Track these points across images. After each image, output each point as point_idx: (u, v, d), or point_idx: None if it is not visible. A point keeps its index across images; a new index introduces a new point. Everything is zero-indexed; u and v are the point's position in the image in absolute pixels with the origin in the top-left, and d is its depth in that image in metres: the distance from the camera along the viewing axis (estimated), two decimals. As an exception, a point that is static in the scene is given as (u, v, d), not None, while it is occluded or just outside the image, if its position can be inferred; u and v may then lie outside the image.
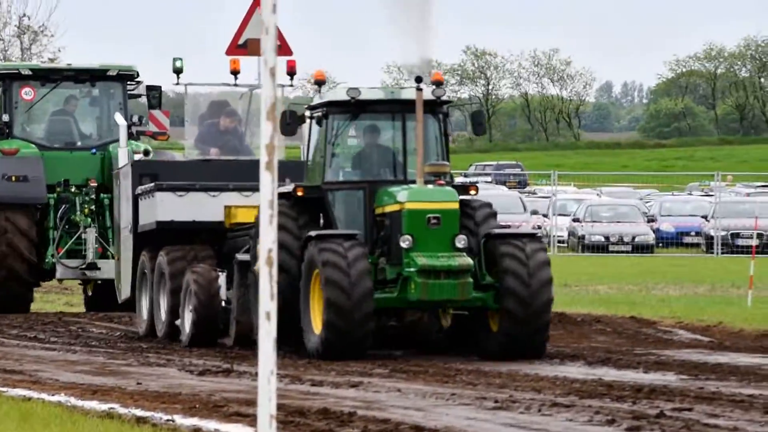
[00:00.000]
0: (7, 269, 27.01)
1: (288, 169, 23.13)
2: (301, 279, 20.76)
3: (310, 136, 22.04)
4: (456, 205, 21.21)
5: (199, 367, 21.42)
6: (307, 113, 21.80)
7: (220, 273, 23.27)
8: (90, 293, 28.75)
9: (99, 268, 27.54)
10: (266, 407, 9.80)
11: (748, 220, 57.18)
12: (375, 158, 22.33)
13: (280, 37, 24.43)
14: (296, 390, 18.72)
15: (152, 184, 23.84)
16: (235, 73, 24.93)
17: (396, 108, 21.91)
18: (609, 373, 20.73)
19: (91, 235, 27.45)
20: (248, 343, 21.77)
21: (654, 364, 22.20)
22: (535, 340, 21.01)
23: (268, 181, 9.99)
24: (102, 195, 27.86)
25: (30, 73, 28.02)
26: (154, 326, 23.99)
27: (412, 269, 20.75)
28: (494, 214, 21.62)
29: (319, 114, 21.71)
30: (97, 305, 27.97)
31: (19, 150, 27.40)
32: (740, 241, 59.34)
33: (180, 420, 16.21)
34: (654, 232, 61.88)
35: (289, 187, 21.42)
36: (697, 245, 63.41)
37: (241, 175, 24.31)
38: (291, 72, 25.57)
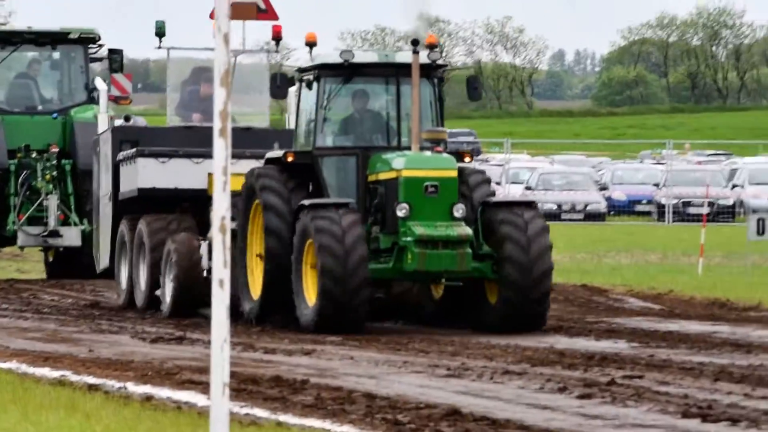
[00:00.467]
0: None
1: (278, 135, 23.26)
2: (292, 246, 20.34)
3: (299, 100, 21.47)
4: (454, 173, 20.71)
5: (151, 335, 21.43)
6: (297, 76, 21.32)
7: (201, 242, 22.82)
8: (51, 260, 28.42)
9: (61, 236, 27.24)
10: (219, 375, 9.83)
11: (699, 188, 57.40)
12: (368, 123, 21.76)
13: (266, 1, 24.57)
14: (249, 358, 18.81)
15: (134, 150, 23.39)
16: None
17: (390, 72, 21.33)
18: (560, 341, 20.91)
19: (52, 201, 27.09)
20: (231, 314, 21.13)
21: (605, 332, 22.34)
22: (536, 309, 20.56)
23: (221, 147, 10.00)
24: (63, 161, 27.55)
25: None
26: (134, 296, 23.59)
27: (408, 239, 20.20)
28: (488, 181, 21.42)
29: (310, 77, 21.12)
30: (58, 273, 27.60)
31: None
32: (691, 210, 59.66)
33: (132, 387, 16.23)
34: (606, 200, 62.08)
35: (278, 153, 21.03)
36: (649, 213, 63.70)
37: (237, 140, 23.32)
38: (277, 37, 24.80)
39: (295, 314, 20.30)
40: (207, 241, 22.32)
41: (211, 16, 23.46)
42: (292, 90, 24.53)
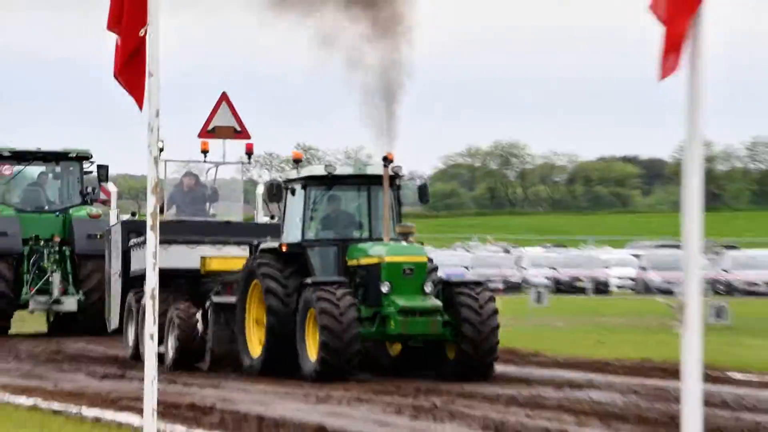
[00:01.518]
0: None
1: (267, 229, 22.40)
2: (288, 321, 18.86)
3: (286, 202, 19.98)
4: (425, 258, 19.38)
5: (100, 373, 20.83)
6: (284, 185, 20.12)
7: (197, 310, 21.46)
8: (51, 320, 27.56)
9: (62, 303, 26.25)
10: (150, 402, 9.65)
11: (495, 269, 58.06)
12: (345, 221, 20.36)
13: (240, 123, 23.47)
14: (173, 390, 18.30)
15: (142, 238, 21.25)
16: (204, 152, 23.14)
17: (363, 181, 20.00)
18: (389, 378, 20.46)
19: (56, 278, 26.15)
20: (221, 366, 20.03)
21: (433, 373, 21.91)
22: (486, 369, 19.25)
23: (152, 237, 9.83)
24: (63, 247, 26.61)
25: (9, 154, 27.16)
26: (139, 351, 21.60)
27: (392, 309, 18.75)
28: (436, 268, 20.19)
29: (298, 186, 19.81)
30: (58, 330, 26.82)
31: (1, 212, 26.55)
32: (491, 284, 60.03)
33: (86, 411, 15.78)
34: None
35: (273, 244, 19.64)
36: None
37: (210, 231, 22.55)
38: (249, 152, 23.55)
39: (297, 367, 19.02)
40: (200, 311, 21.07)
41: (199, 135, 22.95)
42: (259, 193, 23.86)
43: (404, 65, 19.94)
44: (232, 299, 19.74)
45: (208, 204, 23.56)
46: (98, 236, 25.24)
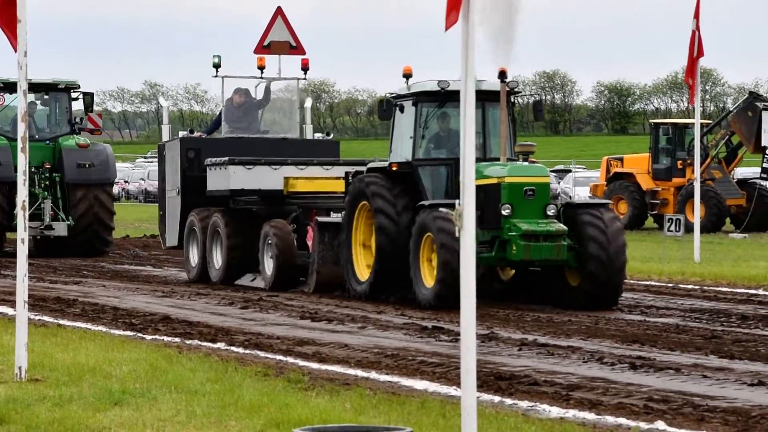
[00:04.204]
0: None
1: (323, 146, 20.94)
2: (411, 239, 16.08)
3: (394, 120, 17.29)
4: (548, 179, 16.87)
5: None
6: (393, 101, 17.26)
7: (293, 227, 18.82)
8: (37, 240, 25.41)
9: (53, 229, 24.32)
10: (21, 295, 10.17)
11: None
12: (458, 139, 18.01)
13: (295, 38, 20.95)
14: (41, 286, 18.59)
15: (226, 158, 19.16)
16: (261, 68, 20.47)
17: (478, 97, 17.67)
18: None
19: (47, 204, 24.26)
20: (326, 289, 17.37)
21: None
22: (612, 296, 16.27)
23: (22, 159, 10.24)
24: (54, 174, 24.75)
25: (1, 84, 24.99)
26: (204, 272, 19.15)
27: (514, 233, 16.13)
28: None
29: (410, 102, 17.15)
30: (44, 254, 24.62)
31: None
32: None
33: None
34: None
35: (382, 163, 17.23)
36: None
37: (266, 148, 20.08)
38: (305, 68, 20.93)
39: (407, 291, 16.27)
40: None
41: (255, 51, 20.75)
42: (307, 107, 22.07)
43: None
44: (337, 219, 17.65)
45: (259, 119, 21.44)
46: (86, 165, 24.25)
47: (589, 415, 8.72)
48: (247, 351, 12.00)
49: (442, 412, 8.50)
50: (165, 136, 21.05)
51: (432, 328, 13.64)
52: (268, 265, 18.15)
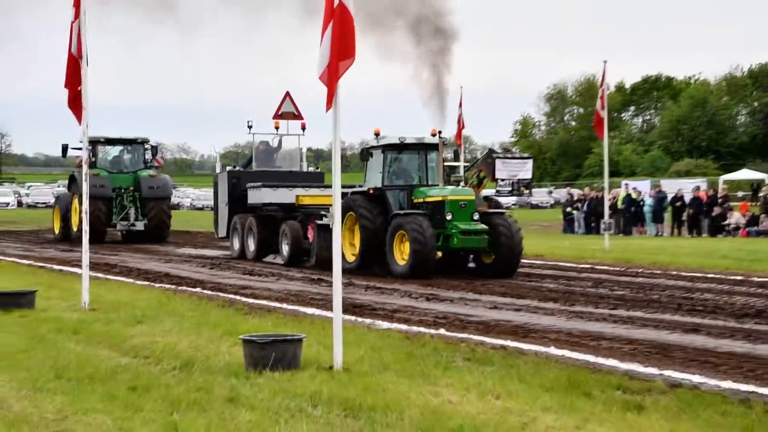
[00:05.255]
0: (98, 223, 32.69)
1: (313, 176, 27.96)
2: (387, 234, 21.17)
3: (367, 162, 22.67)
4: (473, 197, 22.03)
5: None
6: (366, 150, 22.84)
7: (300, 226, 25.00)
8: (123, 235, 35.42)
9: (136, 226, 34.03)
10: (86, 261, 14.35)
11: None
12: (410, 173, 22.97)
13: (297, 110, 28.42)
14: (96, 257, 24.40)
15: (260, 183, 26.33)
16: (276, 128, 28.29)
17: (421, 147, 22.81)
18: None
19: (132, 211, 34.07)
20: (322, 266, 22.44)
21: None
22: (514, 269, 21.42)
23: (85, 185, 14.86)
24: (135, 192, 34.39)
25: (104, 140, 34.73)
26: (242, 253, 25.97)
27: (454, 230, 21.25)
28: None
29: (379, 150, 22.63)
30: (129, 241, 34.55)
31: (99, 173, 33.92)
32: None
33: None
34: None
35: (363, 189, 22.59)
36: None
37: (280, 177, 27.25)
38: (303, 128, 28.77)
39: (384, 269, 21.23)
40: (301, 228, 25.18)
41: (273, 117, 28.41)
42: (303, 152, 29.40)
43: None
44: (328, 222, 22.19)
45: (275, 159, 29.18)
46: (155, 187, 34.17)
47: (403, 326, 12.99)
48: (213, 293, 16.74)
49: (323, 326, 12.06)
50: (218, 170, 28.68)
51: (317, 279, 19.79)
52: (285, 249, 24.56)
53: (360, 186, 23.29)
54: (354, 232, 22.06)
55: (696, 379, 9.53)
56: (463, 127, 29.95)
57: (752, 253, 25.56)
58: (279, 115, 28.36)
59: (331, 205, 21.99)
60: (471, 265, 22.27)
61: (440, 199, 21.52)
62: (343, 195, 21.73)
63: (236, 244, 26.67)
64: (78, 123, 13.89)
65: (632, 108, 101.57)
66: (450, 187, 21.88)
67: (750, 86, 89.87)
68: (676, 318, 14.05)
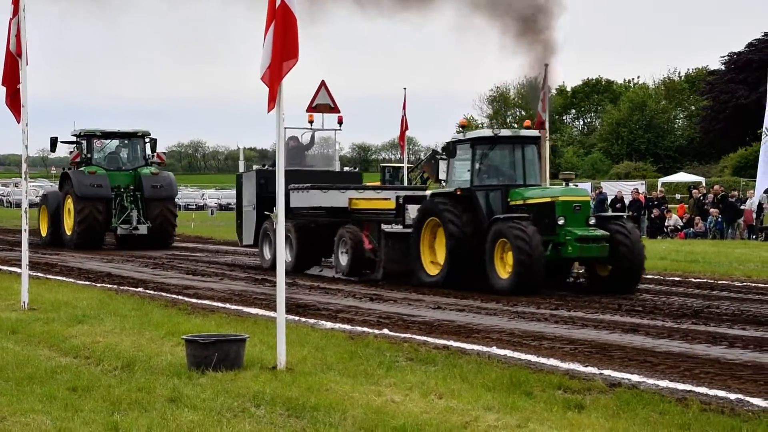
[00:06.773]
0: (95, 226, 30.55)
1: (350, 176, 24.71)
2: (486, 243, 18.39)
3: (450, 159, 19.85)
4: (588, 198, 19.37)
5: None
6: (451, 145, 19.92)
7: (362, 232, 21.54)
8: (119, 239, 32.17)
9: (137, 229, 30.79)
10: (25, 261, 14.25)
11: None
12: (505, 171, 19.69)
13: (333, 102, 25.54)
14: (36, 256, 23.44)
15: (308, 185, 22.75)
16: (310, 122, 24.99)
17: (516, 140, 19.54)
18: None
19: (134, 213, 30.85)
20: (392, 278, 20.03)
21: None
22: (635, 283, 18.60)
23: (24, 185, 13.98)
24: (136, 192, 31.35)
25: (100, 134, 31.77)
26: (274, 263, 21.74)
27: (569, 237, 18.31)
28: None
29: (467, 144, 19.61)
30: (126, 247, 31.30)
31: (96, 171, 31.14)
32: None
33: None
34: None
35: (448, 189, 19.59)
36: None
37: (314, 178, 23.70)
38: (340, 122, 25.56)
39: (481, 282, 18.43)
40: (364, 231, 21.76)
41: (307, 110, 25.42)
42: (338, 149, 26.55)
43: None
44: (399, 229, 20.34)
45: (306, 157, 25.71)
46: (158, 186, 31.08)
47: (347, 326, 13.19)
48: (155, 292, 16.72)
49: (266, 326, 12.22)
50: (241, 169, 25.93)
51: (261, 279, 19.64)
52: (344, 259, 21.04)
53: (428, 185, 21.37)
54: (435, 240, 19.39)
55: (635, 378, 9.66)
56: (407, 128, 29.56)
57: (689, 254, 25.88)
58: (313, 108, 25.25)
59: (392, 209, 20.77)
60: (570, 279, 19.48)
61: (548, 200, 18.66)
62: (414, 198, 20.16)
63: (267, 253, 23.09)
64: (17, 121, 13.79)
65: (573, 111, 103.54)
66: (559, 187, 19.23)
67: (687, 90, 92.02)
68: (615, 318, 14.35)
